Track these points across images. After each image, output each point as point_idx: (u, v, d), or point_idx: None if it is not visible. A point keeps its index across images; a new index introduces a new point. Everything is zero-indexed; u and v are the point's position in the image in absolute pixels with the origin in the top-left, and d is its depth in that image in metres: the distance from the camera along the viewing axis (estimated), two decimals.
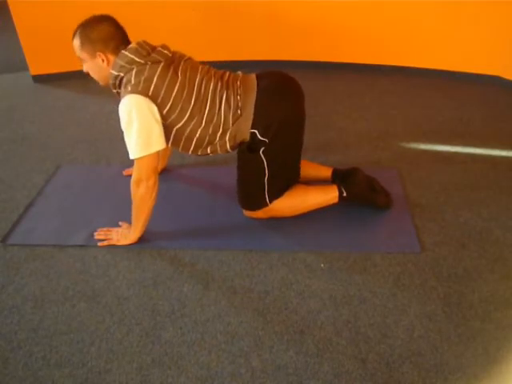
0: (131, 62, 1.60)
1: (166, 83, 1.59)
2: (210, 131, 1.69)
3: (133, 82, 1.58)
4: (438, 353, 1.36)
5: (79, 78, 3.39)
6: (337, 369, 1.32)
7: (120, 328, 1.47)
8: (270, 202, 1.81)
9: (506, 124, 2.64)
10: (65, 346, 1.42)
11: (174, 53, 1.71)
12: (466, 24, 3.03)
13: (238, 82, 1.72)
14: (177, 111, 1.63)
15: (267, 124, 1.67)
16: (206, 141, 1.72)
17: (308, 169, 2.00)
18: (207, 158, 2.34)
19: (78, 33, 1.63)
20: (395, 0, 3.07)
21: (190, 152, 1.78)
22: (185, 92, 1.62)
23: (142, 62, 1.60)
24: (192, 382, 1.31)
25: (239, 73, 1.79)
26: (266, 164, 1.73)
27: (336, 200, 1.87)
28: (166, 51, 1.66)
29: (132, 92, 1.57)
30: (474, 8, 2.95)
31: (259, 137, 1.68)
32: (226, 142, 1.72)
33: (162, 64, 1.62)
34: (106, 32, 1.62)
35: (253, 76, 1.76)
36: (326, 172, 2.01)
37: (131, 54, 1.60)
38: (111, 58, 1.64)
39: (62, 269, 1.70)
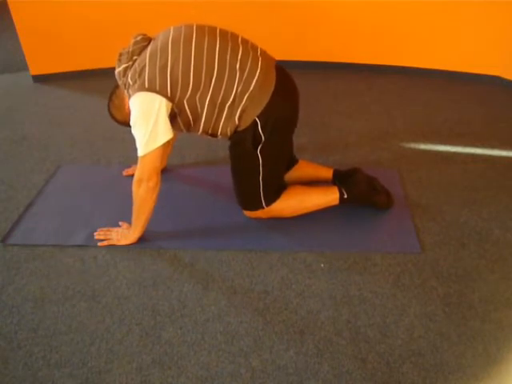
0: (125, 71, 1.62)
1: (158, 64, 1.55)
2: (221, 96, 1.60)
3: (131, 83, 1.59)
4: (438, 353, 1.36)
5: (79, 77, 3.42)
6: (337, 369, 1.32)
7: (120, 328, 1.47)
8: (267, 204, 1.81)
9: (506, 124, 2.64)
10: (65, 346, 1.42)
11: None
12: (466, 24, 3.03)
13: (259, 55, 1.64)
14: (179, 84, 1.57)
15: (270, 118, 1.63)
16: (218, 106, 1.62)
17: (308, 169, 2.00)
18: (207, 157, 2.34)
19: (118, 123, 1.86)
20: (395, 0, 3.07)
21: (202, 126, 1.69)
22: (180, 61, 1.55)
23: (131, 63, 1.61)
24: (192, 381, 1.31)
25: (257, 46, 1.70)
26: (261, 162, 1.71)
27: (337, 202, 1.87)
28: (140, 37, 1.64)
29: (132, 93, 1.58)
30: (474, 8, 2.95)
31: (259, 129, 1.64)
32: (235, 117, 1.63)
33: (149, 47, 1.61)
34: (112, 109, 1.82)
35: (273, 60, 1.70)
36: (327, 173, 2.01)
37: (119, 66, 1.64)
38: (124, 97, 1.72)
39: (61, 269, 1.70)
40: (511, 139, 2.46)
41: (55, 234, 1.86)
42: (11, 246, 1.82)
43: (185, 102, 1.61)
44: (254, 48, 1.68)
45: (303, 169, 1.97)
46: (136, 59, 1.61)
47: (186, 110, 1.64)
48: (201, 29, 1.62)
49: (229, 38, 1.63)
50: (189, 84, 1.57)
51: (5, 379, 1.33)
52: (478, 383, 1.28)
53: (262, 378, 1.31)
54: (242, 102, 1.61)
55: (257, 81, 1.61)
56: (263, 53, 1.69)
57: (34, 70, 3.40)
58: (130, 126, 1.67)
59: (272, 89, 1.62)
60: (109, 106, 1.82)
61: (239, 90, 1.60)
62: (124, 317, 1.51)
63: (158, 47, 1.59)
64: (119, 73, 1.64)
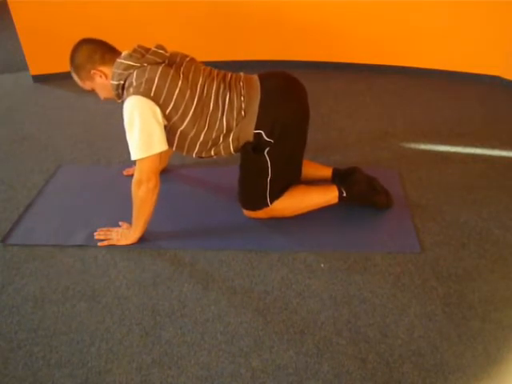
0: (128, 68, 1.61)
1: (168, 83, 1.59)
2: (214, 135, 1.69)
3: (134, 83, 1.58)
4: (438, 353, 1.36)
5: None
6: (337, 369, 1.32)
7: (120, 328, 1.47)
8: (271, 202, 1.81)
9: (506, 124, 2.64)
10: (65, 346, 1.42)
11: (174, 53, 1.71)
12: (466, 24, 3.03)
13: (241, 83, 1.71)
14: (179, 112, 1.62)
15: (272, 125, 1.67)
16: (210, 143, 1.72)
17: (308, 169, 2.00)
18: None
19: (71, 70, 1.71)
20: (395, 0, 3.07)
21: (195, 155, 1.78)
22: (187, 93, 1.62)
23: (138, 65, 1.61)
24: (192, 382, 1.31)
25: (241, 74, 1.78)
26: (269, 164, 1.73)
27: (336, 200, 1.87)
28: (161, 51, 1.65)
29: (134, 93, 1.57)
30: (474, 8, 2.95)
31: (265, 137, 1.69)
32: (229, 144, 1.73)
33: (162, 65, 1.62)
34: (86, 50, 1.66)
35: (255, 77, 1.76)
36: (326, 172, 2.01)
37: (126, 60, 1.62)
38: (106, 70, 1.66)
39: (61, 269, 1.70)
40: (511, 139, 2.47)
41: (55, 234, 1.86)
42: (11, 246, 1.82)
43: (178, 132, 1.67)
44: (238, 78, 1.74)
45: (303, 168, 1.96)
46: (147, 66, 1.61)
47: (174, 139, 1.71)
48: (208, 72, 1.72)
49: (221, 79, 1.71)
50: (188, 114, 1.63)
51: (5, 379, 1.33)
52: (477, 383, 1.28)
53: (261, 378, 1.31)
54: (235, 128, 1.69)
55: (243, 100, 1.67)
56: (245, 76, 1.76)
57: (34, 70, 3.40)
58: (74, 74, 1.71)
59: (258, 101, 1.67)
60: (83, 44, 1.67)
61: (233, 118, 1.67)
62: (124, 317, 1.51)
63: (171, 73, 1.61)
64: (121, 64, 1.62)
